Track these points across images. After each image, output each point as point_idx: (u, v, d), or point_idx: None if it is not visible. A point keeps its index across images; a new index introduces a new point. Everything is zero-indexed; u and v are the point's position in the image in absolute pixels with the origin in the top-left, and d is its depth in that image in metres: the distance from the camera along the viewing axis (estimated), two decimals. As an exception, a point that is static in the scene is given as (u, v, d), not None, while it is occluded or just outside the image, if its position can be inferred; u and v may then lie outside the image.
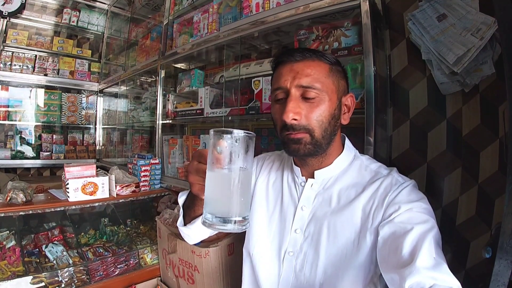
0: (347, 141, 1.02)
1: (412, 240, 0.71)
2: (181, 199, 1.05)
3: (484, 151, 1.14)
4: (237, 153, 0.66)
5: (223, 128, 0.66)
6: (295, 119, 0.87)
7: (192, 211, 0.97)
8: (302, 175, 1.01)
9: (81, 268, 1.83)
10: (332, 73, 0.91)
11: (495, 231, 0.68)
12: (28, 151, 3.52)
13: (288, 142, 0.91)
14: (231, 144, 0.66)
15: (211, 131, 0.68)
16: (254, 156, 1.16)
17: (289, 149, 0.92)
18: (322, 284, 0.88)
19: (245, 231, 1.07)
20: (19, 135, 3.50)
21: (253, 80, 1.79)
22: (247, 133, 0.67)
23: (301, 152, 0.90)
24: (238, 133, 0.66)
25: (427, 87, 1.28)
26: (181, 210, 1.03)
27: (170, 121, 2.57)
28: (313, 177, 0.97)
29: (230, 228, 0.67)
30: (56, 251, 1.93)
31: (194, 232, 1.05)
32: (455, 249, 1.20)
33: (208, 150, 0.70)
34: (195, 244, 1.55)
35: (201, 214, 0.80)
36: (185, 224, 1.02)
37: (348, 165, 0.97)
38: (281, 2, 1.62)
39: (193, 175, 0.79)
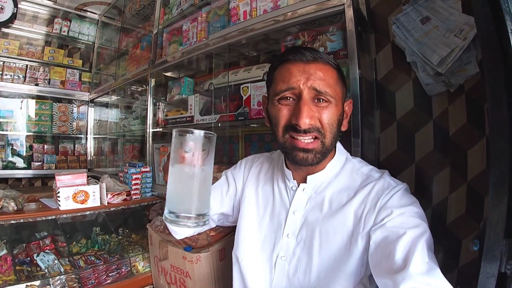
0: (339, 144, 1.01)
1: (404, 245, 0.71)
2: None
3: (472, 150, 1.15)
4: (196, 152, 0.69)
5: (186, 128, 0.68)
6: (312, 125, 0.85)
7: None
8: (293, 179, 1.00)
9: (72, 276, 1.82)
10: (339, 80, 0.91)
11: (483, 225, 0.68)
12: (19, 161, 3.49)
13: (293, 149, 0.88)
14: (191, 144, 0.69)
15: (174, 131, 0.70)
16: (243, 158, 1.17)
17: (295, 157, 0.88)
18: None
19: (233, 236, 1.09)
20: (10, 146, 3.47)
21: (241, 86, 1.80)
22: (207, 133, 0.69)
23: (309, 162, 0.88)
24: (199, 133, 0.69)
25: (413, 89, 1.29)
26: None
27: (161, 129, 2.57)
28: (305, 181, 0.97)
29: (189, 224, 0.69)
30: (47, 260, 1.91)
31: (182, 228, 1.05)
32: (447, 248, 1.20)
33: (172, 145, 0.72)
34: (186, 250, 1.54)
35: None
36: None
37: (340, 169, 0.97)
38: (268, 9, 1.64)
39: (166, 174, 0.81)
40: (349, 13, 1.30)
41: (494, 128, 0.64)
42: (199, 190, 0.70)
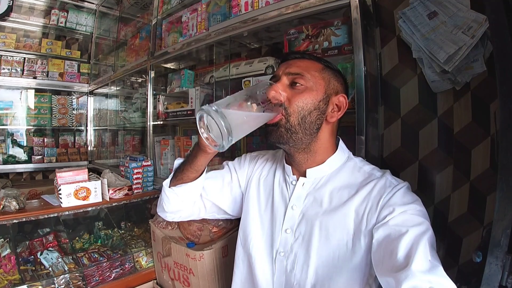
0: (341, 143, 1.01)
1: (407, 243, 0.71)
2: (177, 161, 1.11)
3: (476, 149, 1.14)
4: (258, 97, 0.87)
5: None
6: (278, 99, 0.90)
7: (185, 174, 1.05)
8: (293, 174, 1.00)
9: (77, 274, 1.83)
10: (324, 71, 0.95)
11: (485, 234, 0.68)
12: (20, 154, 3.49)
13: (266, 126, 0.94)
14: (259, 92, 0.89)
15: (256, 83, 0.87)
16: (245, 150, 1.24)
17: (266, 133, 0.95)
18: (314, 285, 0.88)
19: (236, 232, 1.12)
20: (10, 138, 3.47)
21: (243, 80, 1.78)
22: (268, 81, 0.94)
23: (273, 135, 0.92)
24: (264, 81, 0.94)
25: (418, 85, 1.27)
26: (172, 172, 1.10)
27: (161, 122, 2.55)
28: (305, 176, 0.97)
29: (221, 142, 0.79)
30: (51, 258, 1.92)
31: (175, 197, 1.09)
32: (448, 246, 1.20)
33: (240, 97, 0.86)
34: (189, 247, 1.55)
35: (191, 181, 1.05)
36: (170, 186, 1.08)
37: (341, 166, 0.97)
38: (270, 1, 1.60)
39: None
40: (355, 4, 1.28)
41: (503, 140, 0.63)
42: (252, 122, 0.85)
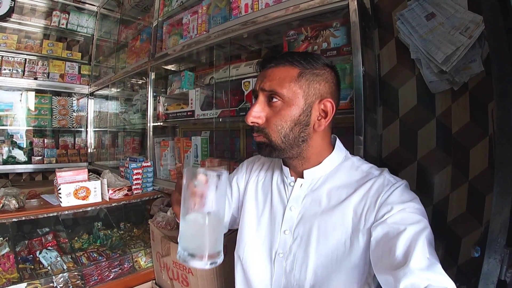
0: (338, 142, 1.00)
1: (405, 241, 0.71)
2: None
3: (474, 148, 1.15)
4: (207, 193, 0.68)
5: (195, 169, 0.68)
6: (256, 123, 0.91)
7: None
8: (291, 175, 1.00)
9: (75, 273, 1.83)
10: (301, 78, 0.88)
11: (484, 230, 0.68)
12: (20, 155, 3.48)
13: (257, 143, 0.95)
14: (201, 185, 0.67)
15: (184, 171, 0.70)
16: (244, 152, 1.19)
17: (257, 148, 0.96)
18: (313, 286, 0.87)
19: (235, 235, 1.09)
20: (10, 139, 3.46)
21: (243, 81, 1.79)
22: (218, 172, 0.68)
23: (263, 154, 0.94)
24: (210, 173, 0.68)
25: (416, 86, 1.28)
26: None
27: (161, 124, 2.56)
28: (303, 177, 0.97)
29: (202, 264, 0.68)
30: (50, 257, 1.92)
31: None
32: (447, 246, 1.20)
33: (182, 187, 0.71)
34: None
35: None
36: None
37: (338, 165, 0.96)
38: (270, 3, 1.61)
39: (175, 206, 0.84)
40: (353, 6, 1.28)
41: (500, 136, 0.63)
42: (213, 231, 0.70)
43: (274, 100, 0.89)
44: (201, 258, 0.68)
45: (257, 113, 0.90)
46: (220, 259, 0.70)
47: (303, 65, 0.90)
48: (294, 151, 0.92)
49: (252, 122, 0.91)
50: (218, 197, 0.69)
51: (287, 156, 0.94)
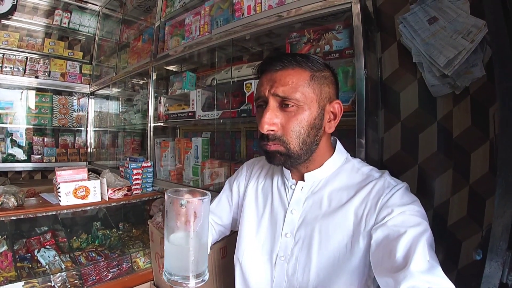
0: (339, 144, 1.00)
1: (405, 243, 0.71)
2: None
3: (475, 152, 1.15)
4: (190, 216, 0.69)
5: (178, 189, 0.71)
6: (272, 130, 0.87)
7: None
8: (292, 178, 1.00)
9: (73, 272, 1.82)
10: (313, 81, 0.88)
11: (486, 233, 0.68)
12: (19, 154, 3.48)
13: (264, 152, 0.93)
14: (184, 209, 0.69)
15: (166, 194, 0.71)
16: (245, 153, 1.18)
17: (267, 157, 0.93)
18: None
19: (236, 237, 1.08)
20: (10, 137, 3.46)
21: (244, 83, 1.79)
22: (201, 196, 0.70)
23: (275, 163, 0.91)
24: (191, 199, 0.69)
25: (418, 90, 1.28)
26: None
27: (162, 124, 2.56)
28: (303, 180, 0.96)
29: (187, 284, 0.70)
30: (48, 256, 1.91)
31: None
32: (447, 249, 1.20)
33: (164, 210, 0.73)
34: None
35: None
36: None
37: (339, 168, 0.96)
38: (273, 5, 1.62)
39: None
40: (356, 9, 1.28)
41: (502, 138, 0.63)
42: (195, 252, 0.70)
43: (289, 105, 0.86)
44: (186, 279, 0.69)
45: (272, 120, 0.87)
46: (205, 277, 0.72)
47: (311, 68, 0.89)
48: (307, 156, 0.91)
49: (268, 131, 0.87)
50: (200, 219, 0.70)
51: (297, 162, 0.92)
